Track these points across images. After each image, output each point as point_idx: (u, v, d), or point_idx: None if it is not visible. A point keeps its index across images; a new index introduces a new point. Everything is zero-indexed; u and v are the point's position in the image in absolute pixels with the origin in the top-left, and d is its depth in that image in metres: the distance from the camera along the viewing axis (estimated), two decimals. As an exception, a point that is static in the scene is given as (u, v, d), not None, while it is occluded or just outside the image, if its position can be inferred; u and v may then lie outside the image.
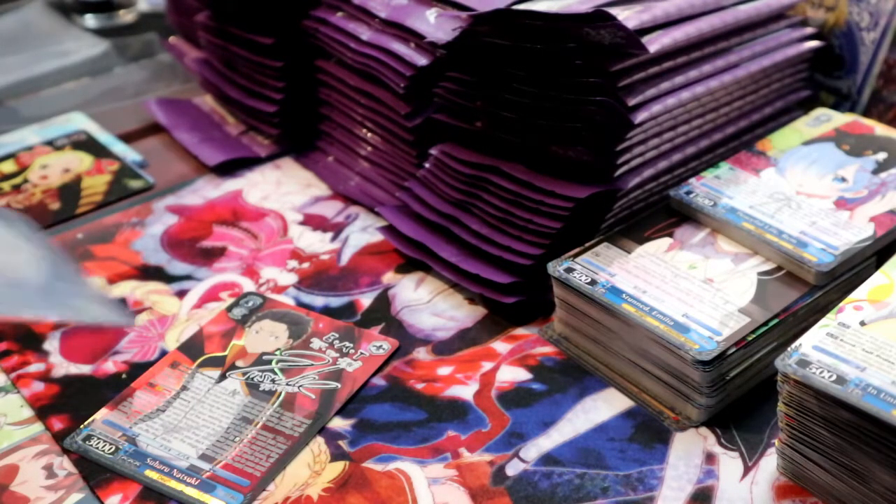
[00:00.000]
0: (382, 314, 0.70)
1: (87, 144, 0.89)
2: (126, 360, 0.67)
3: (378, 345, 0.67)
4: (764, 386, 0.61)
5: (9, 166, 0.87)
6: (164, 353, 0.67)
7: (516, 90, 0.67)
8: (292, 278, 0.74)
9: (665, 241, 0.66)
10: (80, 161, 0.87)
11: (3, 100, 0.97)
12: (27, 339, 0.69)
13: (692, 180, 0.69)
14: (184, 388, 0.64)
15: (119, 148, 0.89)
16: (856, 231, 0.64)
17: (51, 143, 0.90)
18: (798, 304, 0.61)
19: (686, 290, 0.62)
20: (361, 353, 0.66)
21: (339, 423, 0.62)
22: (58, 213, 0.81)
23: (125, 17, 1.11)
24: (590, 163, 0.67)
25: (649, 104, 0.68)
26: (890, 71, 0.79)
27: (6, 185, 0.85)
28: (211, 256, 0.76)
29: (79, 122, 0.93)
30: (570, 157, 0.67)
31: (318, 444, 0.61)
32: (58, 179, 0.85)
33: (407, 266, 0.74)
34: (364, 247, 0.77)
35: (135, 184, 0.84)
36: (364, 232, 0.78)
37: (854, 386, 0.50)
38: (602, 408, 0.62)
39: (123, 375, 0.66)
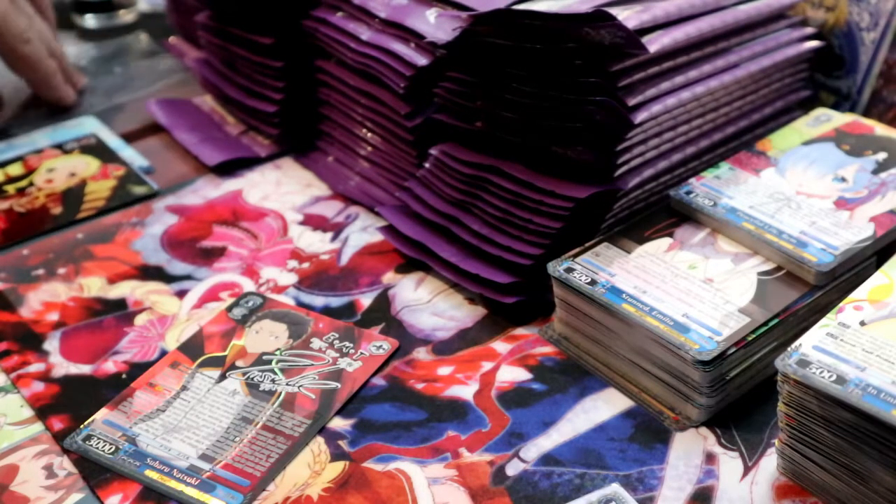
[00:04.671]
0: (382, 314, 0.70)
1: (95, 149, 0.89)
2: (126, 360, 0.67)
3: (378, 345, 0.67)
4: (764, 386, 0.61)
5: (16, 169, 0.87)
6: (164, 353, 0.67)
7: (516, 90, 0.67)
8: (292, 278, 0.74)
9: (665, 241, 0.66)
10: (87, 165, 0.87)
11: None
12: (27, 339, 0.69)
13: (692, 180, 0.69)
14: (184, 388, 0.64)
15: (127, 153, 0.89)
16: (856, 231, 0.64)
17: (60, 147, 0.89)
18: (798, 304, 0.61)
19: (686, 290, 0.62)
20: (361, 353, 0.66)
21: (339, 423, 0.62)
22: (58, 217, 0.81)
23: (125, 17, 1.11)
24: (590, 163, 0.67)
25: (649, 104, 0.68)
26: (890, 71, 0.79)
27: (11, 188, 0.85)
28: (211, 256, 0.76)
29: (90, 125, 0.93)
30: (570, 156, 0.67)
31: (318, 444, 0.61)
32: (63, 183, 0.85)
33: (407, 266, 0.74)
34: (364, 247, 0.77)
35: (139, 190, 0.84)
36: (364, 232, 0.78)
37: (854, 386, 0.50)
38: (602, 408, 0.62)
39: (123, 375, 0.66)
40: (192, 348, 0.67)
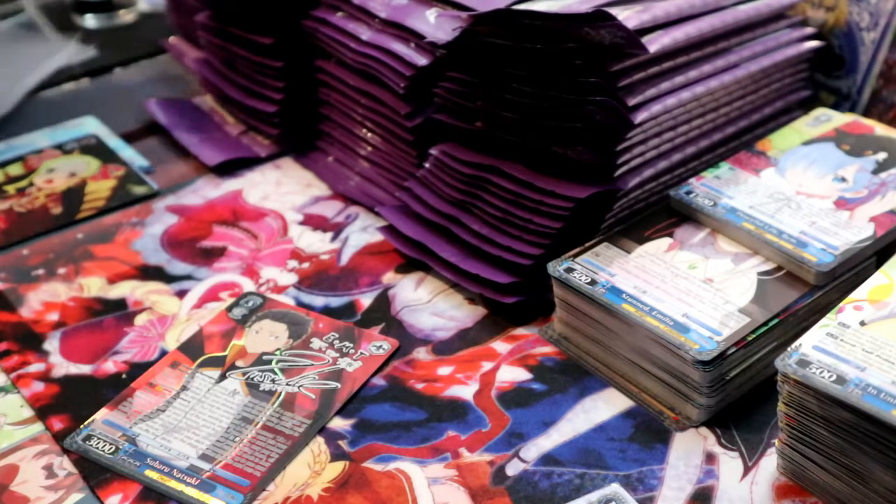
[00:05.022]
0: (382, 314, 0.70)
1: (95, 149, 0.89)
2: (126, 360, 0.67)
3: (378, 345, 0.67)
4: (764, 386, 0.61)
5: (16, 169, 0.87)
6: (164, 353, 0.67)
7: (516, 90, 0.67)
8: (292, 278, 0.74)
9: (665, 241, 0.66)
10: (87, 165, 0.87)
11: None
12: (27, 339, 0.69)
13: (692, 180, 0.69)
14: (184, 388, 0.64)
15: (127, 153, 0.89)
16: (856, 231, 0.64)
17: (60, 147, 0.89)
18: (798, 304, 0.61)
19: (686, 290, 0.62)
20: (361, 353, 0.66)
21: (339, 423, 0.62)
22: (58, 217, 0.81)
23: (125, 17, 1.11)
24: (590, 163, 0.67)
25: (649, 104, 0.68)
26: (890, 71, 0.79)
27: (11, 188, 0.84)
28: (211, 256, 0.76)
29: (90, 126, 0.93)
30: (570, 156, 0.67)
31: (318, 444, 0.61)
32: (63, 183, 0.85)
33: (407, 266, 0.74)
34: (364, 247, 0.77)
35: (139, 190, 0.84)
36: (364, 232, 0.78)
37: (854, 386, 0.50)
38: (602, 408, 0.62)
39: (123, 375, 0.66)
40: (192, 348, 0.67)
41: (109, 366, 0.67)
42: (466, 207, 0.72)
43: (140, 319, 0.70)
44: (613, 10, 0.63)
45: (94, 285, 0.74)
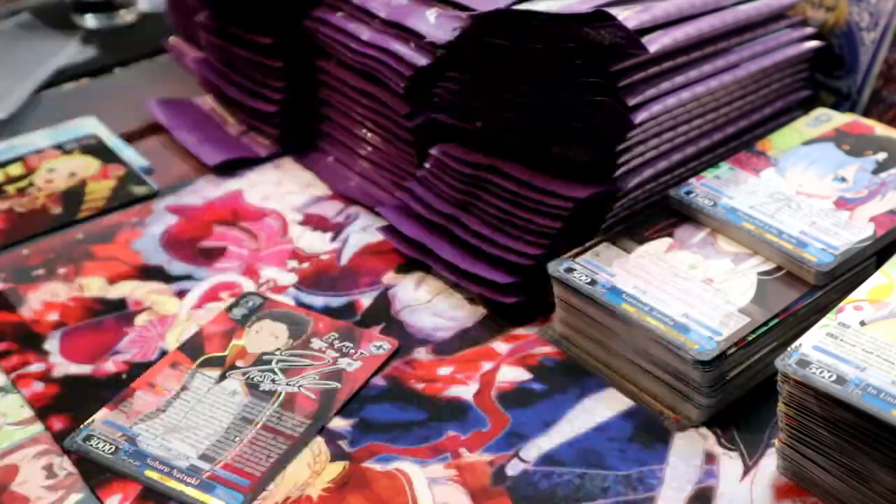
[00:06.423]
0: (382, 314, 0.70)
1: (96, 149, 0.89)
2: (126, 360, 0.67)
3: (378, 345, 0.67)
4: (764, 386, 0.61)
5: (16, 169, 0.87)
6: (164, 353, 0.67)
7: (516, 90, 0.67)
8: (292, 278, 0.74)
9: (665, 241, 0.66)
10: (87, 165, 0.87)
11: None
12: (27, 339, 0.69)
13: (692, 180, 0.69)
14: (184, 388, 0.64)
15: (127, 153, 0.88)
16: (856, 231, 0.64)
17: (60, 147, 0.89)
18: (798, 304, 0.61)
19: (686, 290, 0.62)
20: (361, 353, 0.66)
21: (339, 423, 0.62)
22: (59, 217, 0.81)
23: (125, 17, 1.11)
24: (590, 163, 0.67)
25: (649, 104, 0.68)
26: (890, 71, 0.79)
27: (11, 188, 0.84)
28: (211, 256, 0.76)
29: (90, 126, 0.93)
30: (569, 156, 0.67)
31: (318, 444, 0.61)
32: (63, 183, 0.85)
33: (407, 266, 0.74)
34: (364, 247, 0.77)
35: (139, 190, 0.84)
36: (364, 232, 0.78)
37: (854, 386, 0.50)
38: (602, 408, 0.62)
39: (123, 375, 0.66)
40: (192, 348, 0.67)
41: (109, 366, 0.67)
42: (466, 207, 0.72)
43: (140, 319, 0.70)
44: (613, 10, 0.63)
45: (94, 285, 0.74)
